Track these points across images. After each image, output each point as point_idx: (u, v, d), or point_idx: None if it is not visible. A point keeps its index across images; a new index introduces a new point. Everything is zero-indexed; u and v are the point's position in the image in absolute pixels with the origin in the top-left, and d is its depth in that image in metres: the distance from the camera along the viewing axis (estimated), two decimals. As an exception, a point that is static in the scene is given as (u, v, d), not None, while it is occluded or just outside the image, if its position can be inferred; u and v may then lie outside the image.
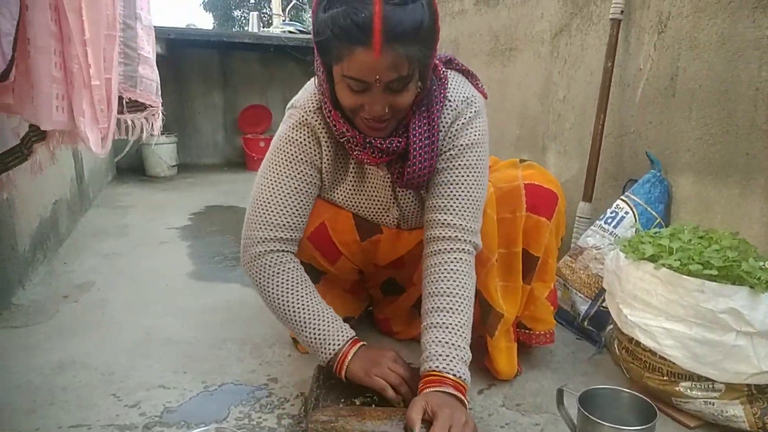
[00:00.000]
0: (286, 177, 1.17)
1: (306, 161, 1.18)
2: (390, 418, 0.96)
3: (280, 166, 1.18)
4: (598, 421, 0.93)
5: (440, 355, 1.02)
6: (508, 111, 2.50)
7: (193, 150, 4.74)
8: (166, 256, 2.28)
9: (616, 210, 1.62)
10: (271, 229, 1.17)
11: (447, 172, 1.16)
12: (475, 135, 1.16)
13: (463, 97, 1.16)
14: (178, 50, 4.25)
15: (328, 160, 1.19)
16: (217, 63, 4.66)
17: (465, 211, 1.14)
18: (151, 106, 1.65)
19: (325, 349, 1.11)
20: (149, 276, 2.01)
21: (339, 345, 1.11)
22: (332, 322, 1.13)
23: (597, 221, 1.66)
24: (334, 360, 1.11)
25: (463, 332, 1.07)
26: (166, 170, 4.19)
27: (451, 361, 1.02)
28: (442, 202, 1.15)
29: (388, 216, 1.28)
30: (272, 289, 1.15)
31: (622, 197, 1.64)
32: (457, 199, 1.15)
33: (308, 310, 1.13)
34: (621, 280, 1.22)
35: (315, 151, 1.18)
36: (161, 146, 4.16)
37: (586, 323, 1.52)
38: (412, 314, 1.48)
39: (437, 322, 1.07)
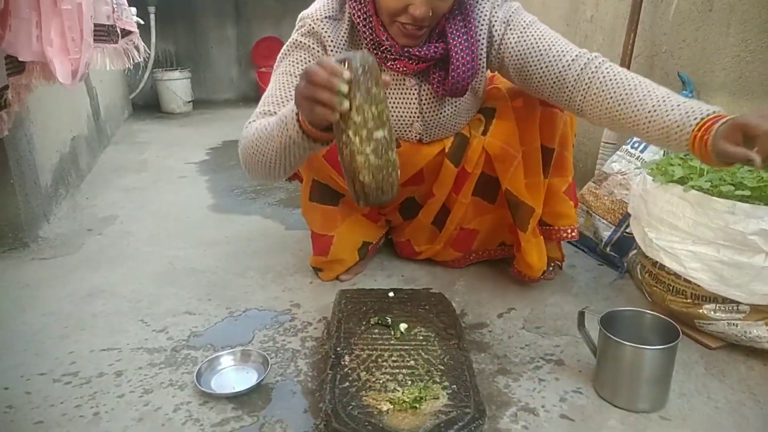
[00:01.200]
0: (291, 75, 1.16)
1: (312, 62, 1.14)
2: None
3: (286, 66, 1.17)
4: (620, 341, 0.93)
5: (697, 108, 0.93)
6: (531, 34, 2.39)
7: (208, 85, 4.67)
8: (185, 190, 2.29)
9: (644, 134, 1.56)
10: (271, 106, 1.13)
11: (525, 37, 1.15)
12: (514, 6, 1.20)
13: None
14: (187, -20, 4.12)
15: None
16: (228, -7, 4.50)
17: (567, 44, 1.13)
18: (132, 32, 1.58)
19: (286, 115, 0.96)
20: (170, 209, 2.03)
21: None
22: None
23: (623, 146, 1.61)
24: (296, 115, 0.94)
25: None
26: (181, 106, 4.14)
27: (707, 108, 0.93)
28: (551, 55, 1.12)
29: (410, 131, 1.27)
30: (251, 134, 1.06)
31: (651, 120, 1.58)
32: (557, 42, 1.13)
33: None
34: (647, 204, 1.19)
35: (322, 56, 1.16)
36: (176, 82, 4.09)
37: (608, 249, 1.50)
38: (432, 231, 1.47)
39: (661, 94, 0.98)
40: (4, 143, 1.53)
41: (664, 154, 1.31)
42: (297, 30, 1.19)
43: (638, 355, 0.93)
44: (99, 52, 1.59)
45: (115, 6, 1.60)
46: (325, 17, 1.15)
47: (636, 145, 1.56)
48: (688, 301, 1.14)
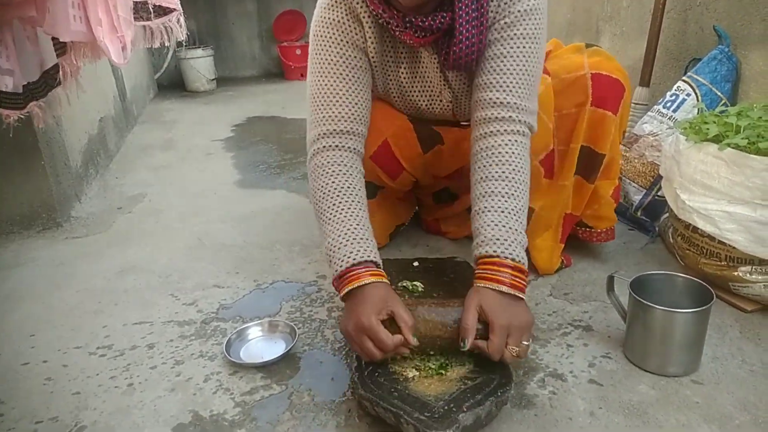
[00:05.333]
0: (331, 64, 1.05)
1: (348, 42, 1.05)
2: (443, 319, 0.92)
3: (321, 53, 1.05)
4: (651, 305, 0.91)
5: (496, 239, 0.92)
6: (557, -6, 2.31)
7: (231, 62, 4.68)
8: (212, 166, 2.31)
9: (677, 92, 1.50)
10: (325, 124, 1.04)
11: (500, 44, 1.02)
12: (533, 26, 1.02)
13: None
14: (205, -44, 4.09)
15: (373, 39, 1.07)
16: (247, -33, 4.47)
17: (519, 87, 1.01)
18: (174, 10, 1.59)
19: (335, 261, 0.95)
20: (198, 186, 2.05)
21: (348, 263, 0.93)
22: (352, 240, 0.95)
23: (655, 106, 1.55)
24: (340, 278, 0.94)
25: (520, 217, 0.96)
26: (205, 84, 4.17)
27: (508, 245, 0.92)
28: (494, 79, 1.02)
29: (441, 102, 1.18)
30: (315, 192, 1.03)
31: (684, 78, 1.51)
32: (511, 74, 1.01)
33: (336, 219, 0.98)
34: (680, 165, 1.15)
35: (356, 29, 1.05)
36: (199, 60, 4.12)
37: (639, 213, 1.46)
38: (463, 216, 1.45)
39: (490, 206, 0.96)
40: (34, 126, 1.56)
41: (698, 113, 1.26)
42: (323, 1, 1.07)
43: (669, 318, 0.91)
44: (139, 30, 1.61)
45: None
46: None
47: (668, 104, 1.50)
48: (723, 263, 1.11)
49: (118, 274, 1.39)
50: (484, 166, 1.00)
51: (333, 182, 1.02)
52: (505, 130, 1.01)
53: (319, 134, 1.05)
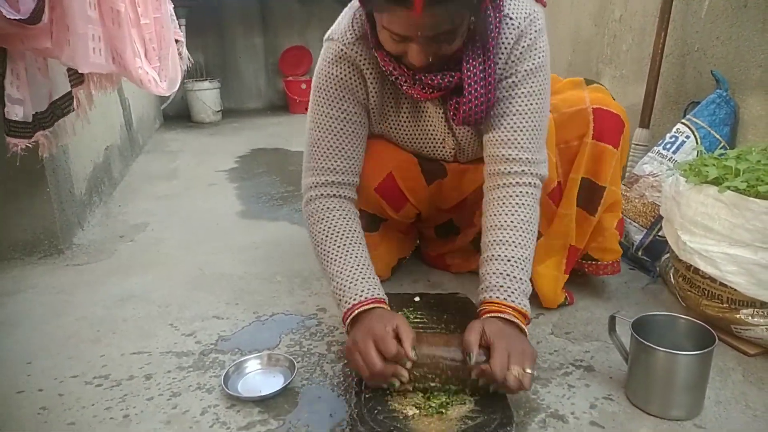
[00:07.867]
0: (331, 118, 1.10)
1: (350, 99, 1.11)
2: (447, 344, 0.93)
3: (323, 106, 1.10)
4: (653, 346, 0.90)
5: (500, 287, 0.97)
6: (559, 36, 2.36)
7: (237, 95, 4.75)
8: (215, 197, 2.33)
9: (676, 134, 1.52)
10: (321, 174, 1.11)
11: (508, 102, 1.07)
12: (539, 58, 1.06)
13: (525, 13, 1.05)
14: (216, -8, 4.20)
15: (374, 93, 1.12)
16: (255, 4, 4.58)
17: (529, 142, 1.06)
18: (178, 41, 1.66)
19: (344, 302, 1.00)
20: (200, 216, 2.07)
21: (356, 301, 0.99)
22: (359, 279, 1.01)
23: (655, 147, 1.57)
24: (349, 313, 0.99)
25: (525, 266, 1.01)
26: (211, 116, 4.23)
27: (512, 292, 0.97)
28: (505, 135, 1.06)
29: (444, 148, 1.23)
30: (315, 235, 1.08)
31: (683, 120, 1.54)
32: (521, 131, 1.06)
33: (340, 261, 1.03)
34: (680, 206, 1.16)
35: (359, 86, 1.10)
36: (205, 92, 4.18)
37: (640, 253, 1.46)
38: (468, 250, 1.45)
39: (498, 255, 1.01)
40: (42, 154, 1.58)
41: (697, 155, 1.28)
42: (326, 52, 1.10)
43: (672, 361, 0.90)
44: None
45: (173, 19, 1.68)
46: (357, 39, 1.06)
47: (668, 146, 1.52)
48: (725, 305, 1.10)
49: (117, 303, 1.39)
50: (495, 215, 1.05)
51: (333, 225, 1.08)
52: (517, 183, 1.06)
53: (315, 183, 1.12)
